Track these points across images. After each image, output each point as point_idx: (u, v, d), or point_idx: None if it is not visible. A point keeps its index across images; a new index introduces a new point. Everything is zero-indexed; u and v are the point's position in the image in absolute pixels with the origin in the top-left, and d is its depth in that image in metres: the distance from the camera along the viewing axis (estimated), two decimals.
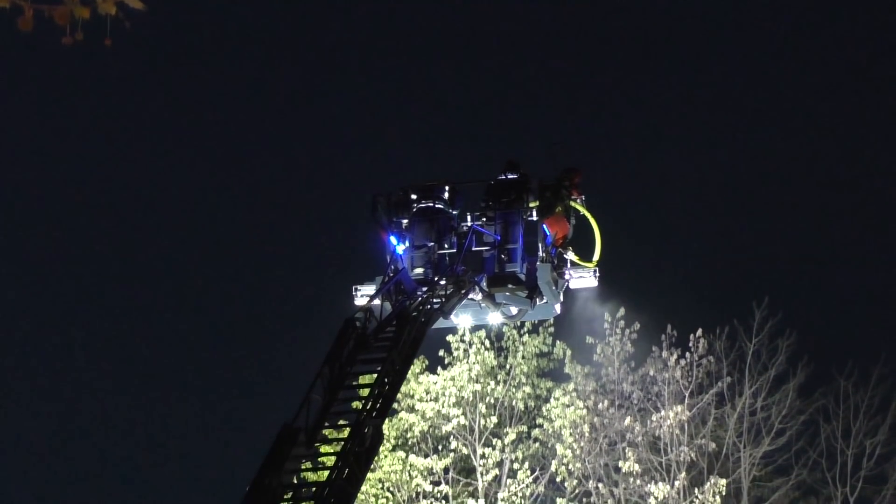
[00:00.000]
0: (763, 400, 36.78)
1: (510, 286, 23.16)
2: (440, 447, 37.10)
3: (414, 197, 23.63)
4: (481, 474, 36.41)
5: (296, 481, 17.74)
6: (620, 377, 36.60)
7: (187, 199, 74.46)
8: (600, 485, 35.84)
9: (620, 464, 35.64)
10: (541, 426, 37.09)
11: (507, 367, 37.61)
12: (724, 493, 35.27)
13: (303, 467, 17.93)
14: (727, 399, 36.77)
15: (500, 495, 36.78)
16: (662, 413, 35.86)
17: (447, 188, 23.77)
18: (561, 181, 24.33)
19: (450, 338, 38.32)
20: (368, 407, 18.57)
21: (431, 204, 23.48)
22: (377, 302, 21.37)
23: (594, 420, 36.25)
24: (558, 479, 36.81)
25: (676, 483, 35.12)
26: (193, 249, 73.40)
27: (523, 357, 37.79)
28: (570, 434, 36.34)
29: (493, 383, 37.30)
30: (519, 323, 39.01)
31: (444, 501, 36.25)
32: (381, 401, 19.02)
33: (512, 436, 36.92)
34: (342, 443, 17.96)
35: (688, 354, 36.75)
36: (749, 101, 71.74)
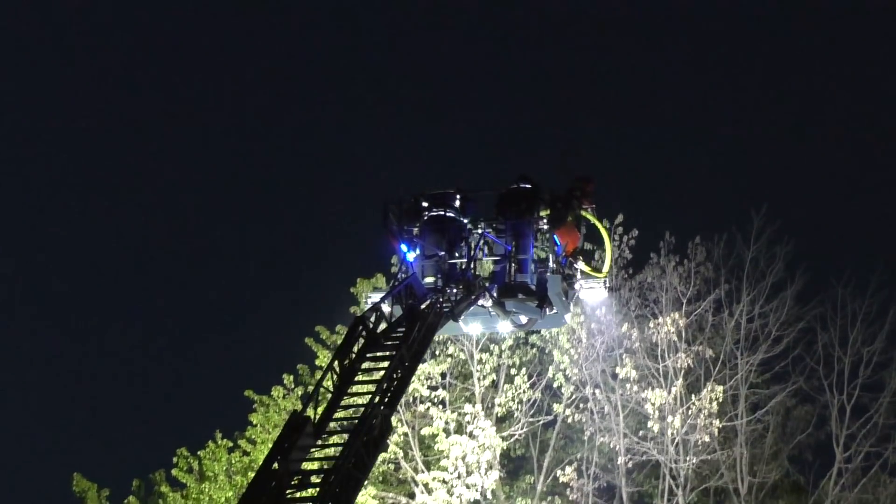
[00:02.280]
0: (761, 307, 36.68)
1: (521, 296, 22.95)
2: (437, 352, 37.09)
3: (425, 205, 23.18)
4: (478, 379, 36.44)
5: (304, 468, 17.73)
6: (618, 283, 36.50)
7: (192, 202, 74.62)
8: (597, 391, 35.89)
9: (617, 370, 35.64)
10: (538, 332, 37.04)
11: None
12: (720, 400, 35.32)
13: (311, 456, 17.93)
14: (725, 306, 36.69)
15: (496, 400, 36.83)
16: (660, 320, 35.82)
17: (458, 196, 23.36)
18: (572, 191, 24.08)
19: None
20: (377, 399, 18.52)
21: (442, 212, 23.07)
22: (387, 309, 21.26)
23: (592, 326, 36.20)
24: (555, 385, 36.85)
25: (673, 389, 35.14)
26: (202, 255, 73.60)
27: None
28: (568, 340, 36.32)
29: None
30: None
31: (441, 406, 36.31)
32: (391, 393, 19.01)
33: (509, 341, 36.88)
34: (351, 432, 17.94)
35: (686, 261, 36.66)
36: (754, 7, 71.27)
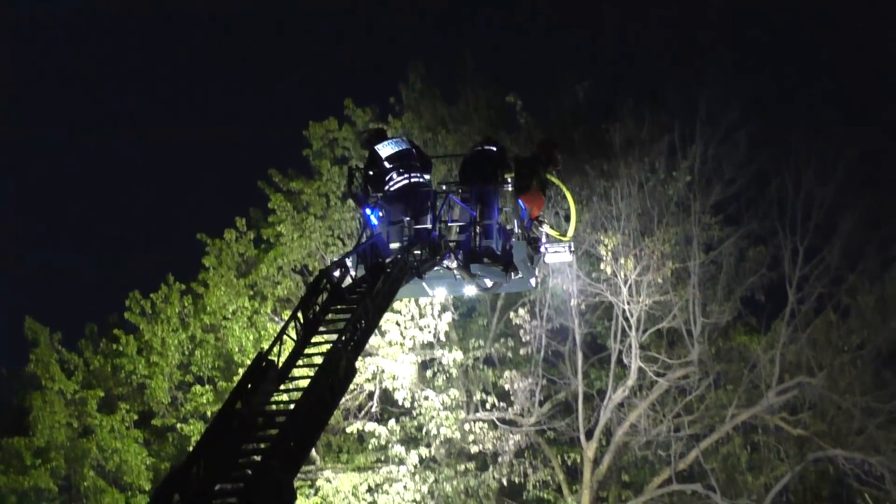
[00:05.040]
0: (714, 150, 36.49)
1: (486, 261, 23.20)
2: None
3: (389, 166, 23.16)
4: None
5: (267, 409, 17.87)
6: (576, 136, 36.37)
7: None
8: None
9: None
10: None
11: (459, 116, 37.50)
12: (673, 242, 35.37)
13: (274, 399, 17.92)
14: (678, 149, 36.52)
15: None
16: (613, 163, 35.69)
17: (416, 154, 23.56)
18: (537, 155, 24.50)
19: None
20: (341, 344, 18.65)
21: (408, 179, 23.08)
22: (352, 272, 21.41)
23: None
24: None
25: (627, 231, 35.09)
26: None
27: (475, 109, 37.60)
28: None
29: (443, 133, 37.02)
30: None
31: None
32: (354, 340, 19.14)
33: None
34: (316, 373, 18.05)
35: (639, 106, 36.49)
36: None
